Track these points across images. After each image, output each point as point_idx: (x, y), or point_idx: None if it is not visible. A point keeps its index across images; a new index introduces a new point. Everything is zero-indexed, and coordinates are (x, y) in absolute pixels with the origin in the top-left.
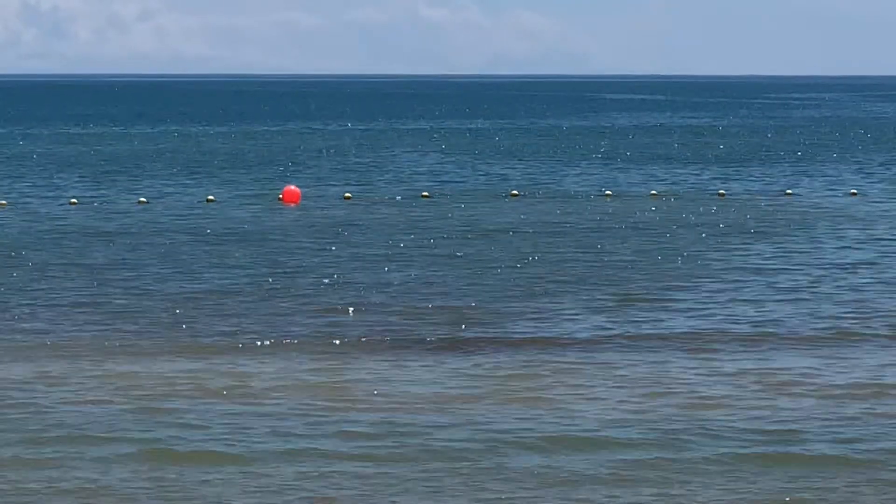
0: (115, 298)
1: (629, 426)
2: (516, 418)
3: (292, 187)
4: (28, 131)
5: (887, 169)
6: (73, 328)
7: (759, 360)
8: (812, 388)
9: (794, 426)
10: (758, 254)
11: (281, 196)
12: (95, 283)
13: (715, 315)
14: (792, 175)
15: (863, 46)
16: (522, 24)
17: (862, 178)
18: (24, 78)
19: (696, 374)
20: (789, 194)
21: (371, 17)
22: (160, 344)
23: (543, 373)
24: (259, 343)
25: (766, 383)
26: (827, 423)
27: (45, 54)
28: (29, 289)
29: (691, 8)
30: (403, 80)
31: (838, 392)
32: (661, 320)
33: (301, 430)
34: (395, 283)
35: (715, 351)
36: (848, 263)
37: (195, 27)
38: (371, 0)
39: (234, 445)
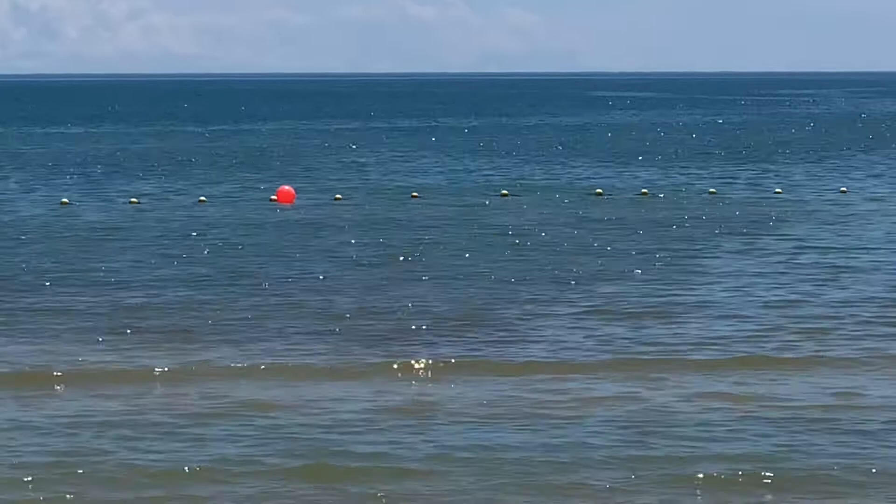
0: (106, 303)
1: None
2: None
3: (286, 187)
4: (19, 130)
5: (878, 165)
6: (59, 337)
7: (755, 378)
8: (790, 407)
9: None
10: (750, 256)
11: (275, 196)
12: (85, 286)
13: (701, 327)
14: (783, 172)
15: (854, 43)
16: (512, 21)
17: (852, 174)
18: (15, 78)
19: (679, 391)
20: (779, 192)
21: (360, 15)
22: (149, 353)
23: (535, 382)
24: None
25: (755, 403)
26: (820, 442)
27: (35, 54)
28: (20, 293)
29: (681, 5)
30: (393, 78)
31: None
32: (647, 330)
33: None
34: (382, 288)
35: (711, 367)
36: (839, 266)
37: (184, 26)
38: None
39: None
